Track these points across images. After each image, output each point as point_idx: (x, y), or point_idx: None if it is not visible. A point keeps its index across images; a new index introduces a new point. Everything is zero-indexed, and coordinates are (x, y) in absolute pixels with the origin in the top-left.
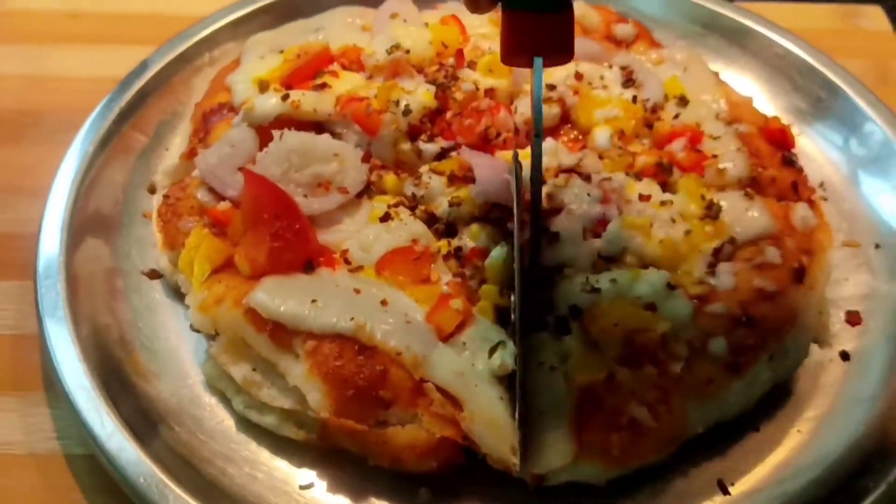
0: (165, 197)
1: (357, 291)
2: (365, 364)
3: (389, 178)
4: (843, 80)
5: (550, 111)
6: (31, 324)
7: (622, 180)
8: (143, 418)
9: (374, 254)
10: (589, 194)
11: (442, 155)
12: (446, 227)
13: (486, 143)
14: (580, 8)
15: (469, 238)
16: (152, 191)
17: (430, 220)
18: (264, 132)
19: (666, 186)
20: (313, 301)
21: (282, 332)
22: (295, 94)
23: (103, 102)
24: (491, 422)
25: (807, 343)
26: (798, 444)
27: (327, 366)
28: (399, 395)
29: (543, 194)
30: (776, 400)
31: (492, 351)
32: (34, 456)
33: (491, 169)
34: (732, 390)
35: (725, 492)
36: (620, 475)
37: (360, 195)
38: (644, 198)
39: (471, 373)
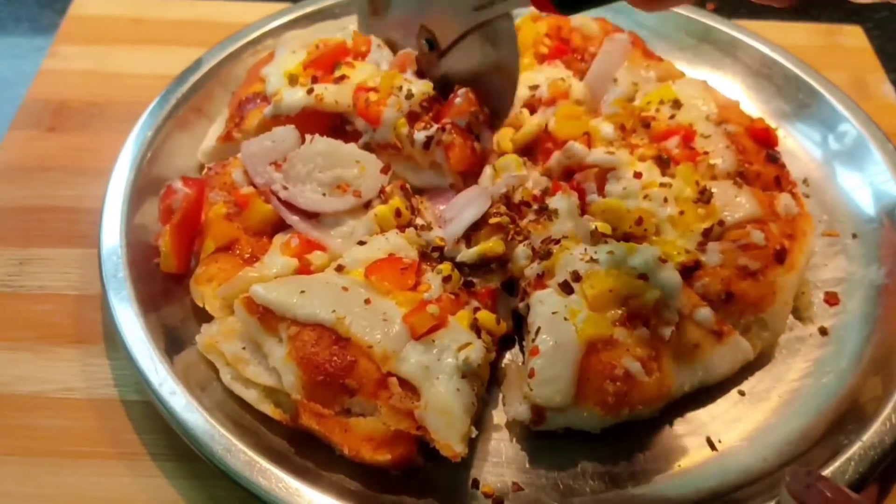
0: (208, 168)
1: (345, 289)
2: (337, 353)
3: (391, 204)
4: (823, 85)
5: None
6: (93, 285)
7: (625, 157)
8: (192, 368)
9: (360, 262)
10: None
11: (427, 144)
12: (441, 254)
13: (476, 121)
14: (580, 18)
15: (482, 281)
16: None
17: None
18: (302, 133)
19: (664, 174)
20: (302, 292)
21: (270, 317)
22: (318, 88)
23: (161, 95)
24: (444, 409)
25: (784, 318)
26: (780, 406)
27: (304, 351)
28: (364, 385)
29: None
30: (761, 369)
31: (460, 349)
32: (93, 400)
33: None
34: (716, 355)
35: (713, 448)
36: (614, 424)
37: (368, 205)
38: (637, 175)
39: (435, 367)
